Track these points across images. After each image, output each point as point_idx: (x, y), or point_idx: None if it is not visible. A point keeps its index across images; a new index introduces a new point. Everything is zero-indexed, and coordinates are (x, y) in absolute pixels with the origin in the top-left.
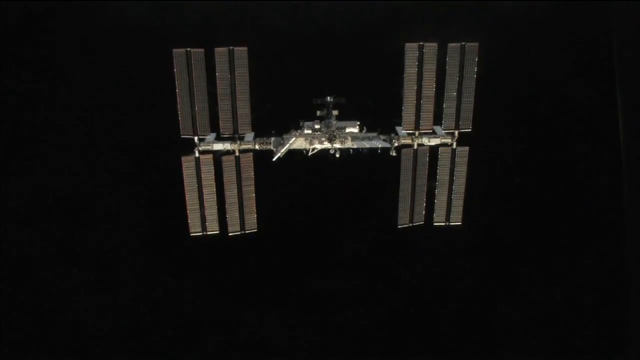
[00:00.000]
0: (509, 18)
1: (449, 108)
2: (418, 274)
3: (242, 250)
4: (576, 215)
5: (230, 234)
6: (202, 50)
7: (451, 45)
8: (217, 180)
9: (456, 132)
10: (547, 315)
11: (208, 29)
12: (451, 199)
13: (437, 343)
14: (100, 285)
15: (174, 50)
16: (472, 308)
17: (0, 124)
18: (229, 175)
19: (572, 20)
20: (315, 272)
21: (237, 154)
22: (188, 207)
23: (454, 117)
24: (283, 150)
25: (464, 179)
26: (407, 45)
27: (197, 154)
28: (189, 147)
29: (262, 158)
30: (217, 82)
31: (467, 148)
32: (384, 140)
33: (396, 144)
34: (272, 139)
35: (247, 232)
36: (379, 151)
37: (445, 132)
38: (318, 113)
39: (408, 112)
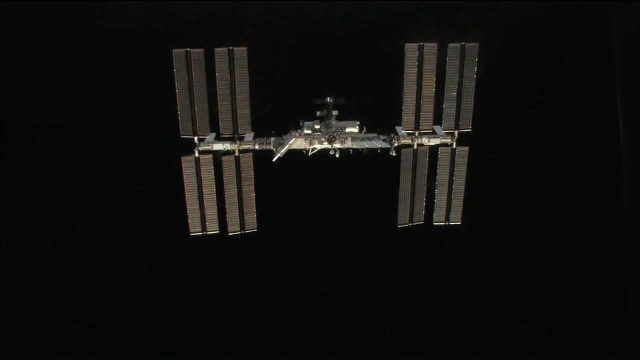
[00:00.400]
0: (509, 18)
1: (448, 108)
2: (417, 273)
3: (242, 250)
4: (576, 215)
5: (230, 234)
6: (201, 50)
7: (451, 45)
8: (217, 180)
9: (456, 132)
10: (547, 315)
11: (208, 29)
12: (451, 198)
13: (437, 343)
14: (100, 285)
15: (174, 50)
16: (472, 308)
17: (0, 124)
18: (229, 175)
19: (572, 20)
20: (315, 272)
21: (237, 154)
22: (188, 207)
23: (454, 117)
24: (283, 150)
25: (464, 179)
26: (407, 45)
27: (197, 154)
28: (189, 147)
29: (262, 158)
30: (217, 82)
31: (466, 148)
32: (383, 140)
33: (396, 144)
34: (272, 139)
35: (247, 231)
36: (379, 151)
37: (445, 132)
38: (318, 113)
39: (408, 112)
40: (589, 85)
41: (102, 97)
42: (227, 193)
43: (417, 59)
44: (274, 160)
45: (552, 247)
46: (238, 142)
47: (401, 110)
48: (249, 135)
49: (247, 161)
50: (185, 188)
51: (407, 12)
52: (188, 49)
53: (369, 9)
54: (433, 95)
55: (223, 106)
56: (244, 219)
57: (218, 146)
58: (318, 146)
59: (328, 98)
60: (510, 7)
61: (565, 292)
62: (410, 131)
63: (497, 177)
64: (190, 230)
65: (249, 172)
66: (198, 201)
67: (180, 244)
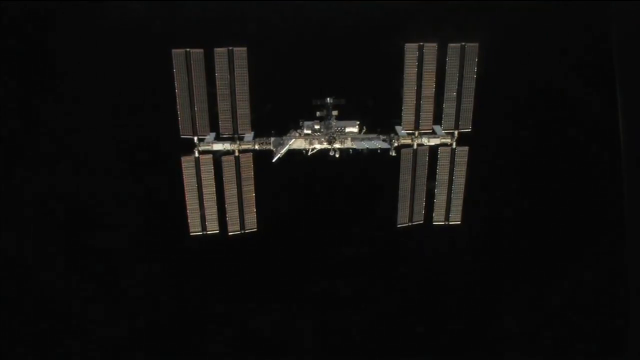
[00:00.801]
0: (509, 18)
1: (448, 108)
2: (417, 273)
3: (241, 249)
4: (576, 215)
5: (230, 234)
6: (201, 50)
7: (451, 45)
8: (216, 180)
9: (456, 132)
10: (547, 316)
11: (208, 29)
12: (451, 198)
13: (437, 343)
14: (100, 285)
15: (174, 50)
16: (471, 307)
17: (0, 124)
18: (229, 175)
19: (572, 20)
20: (315, 272)
21: (236, 154)
22: (188, 207)
23: (454, 117)
24: (283, 150)
25: (464, 179)
26: (407, 45)
27: (196, 154)
28: (189, 147)
29: (262, 158)
30: (217, 82)
31: (466, 148)
32: (383, 140)
33: (396, 144)
34: (272, 139)
35: (246, 231)
36: (379, 151)
37: (445, 132)
38: (318, 114)
39: (408, 112)
40: (589, 85)
41: (102, 97)
42: (227, 193)
43: (417, 59)
44: (273, 160)
45: (552, 247)
46: (238, 142)
47: (401, 110)
48: (249, 135)
49: (247, 161)
50: (185, 188)
51: (407, 12)
52: (188, 49)
53: (369, 9)
54: (433, 95)
55: (223, 106)
56: (243, 219)
57: (218, 146)
58: (318, 146)
59: (328, 98)
60: (510, 7)
61: (566, 292)
62: (410, 131)
63: (497, 177)
64: (190, 230)
65: (248, 172)
66: (198, 201)
67: (180, 243)
